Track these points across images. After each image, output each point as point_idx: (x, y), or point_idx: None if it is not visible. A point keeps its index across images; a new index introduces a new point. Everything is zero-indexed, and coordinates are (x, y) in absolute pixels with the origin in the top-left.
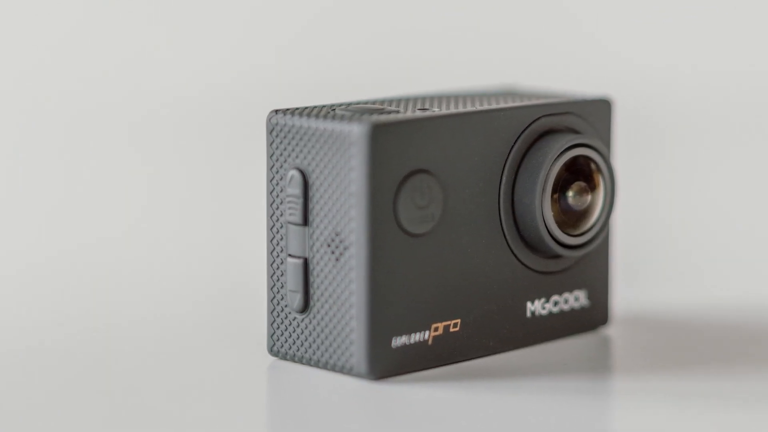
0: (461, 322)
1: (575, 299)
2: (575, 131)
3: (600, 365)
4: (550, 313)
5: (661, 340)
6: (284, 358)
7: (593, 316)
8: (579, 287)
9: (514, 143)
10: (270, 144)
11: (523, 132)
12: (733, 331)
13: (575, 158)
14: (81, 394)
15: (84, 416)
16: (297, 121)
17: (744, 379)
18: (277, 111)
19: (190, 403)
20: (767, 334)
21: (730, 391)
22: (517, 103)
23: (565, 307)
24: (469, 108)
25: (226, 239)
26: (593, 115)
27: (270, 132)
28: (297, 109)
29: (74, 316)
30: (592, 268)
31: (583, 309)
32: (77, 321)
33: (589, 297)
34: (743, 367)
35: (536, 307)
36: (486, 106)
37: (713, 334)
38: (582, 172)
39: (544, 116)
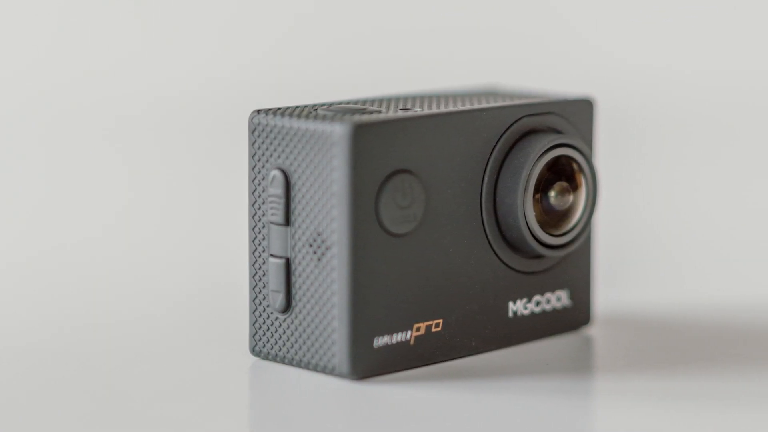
0: (443, 322)
1: (557, 299)
2: (557, 131)
3: (582, 365)
4: (532, 313)
5: (642, 340)
6: (266, 358)
7: (575, 316)
8: (561, 287)
9: (496, 143)
10: (252, 144)
11: (505, 132)
12: (715, 331)
13: (557, 158)
14: (63, 393)
15: (66, 416)
16: (279, 121)
17: (726, 379)
18: (259, 111)
19: (172, 403)
20: (749, 333)
21: (711, 390)
22: (499, 103)
23: (547, 307)
24: (451, 108)
25: (209, 239)
26: (575, 115)
27: (252, 132)
28: (279, 109)
29: (56, 316)
30: (574, 268)
31: (565, 309)
32: (59, 321)
33: (571, 297)
34: (725, 367)
35: (518, 307)
36: (468, 106)
37: (695, 334)
38: (564, 172)
39: (526, 116)
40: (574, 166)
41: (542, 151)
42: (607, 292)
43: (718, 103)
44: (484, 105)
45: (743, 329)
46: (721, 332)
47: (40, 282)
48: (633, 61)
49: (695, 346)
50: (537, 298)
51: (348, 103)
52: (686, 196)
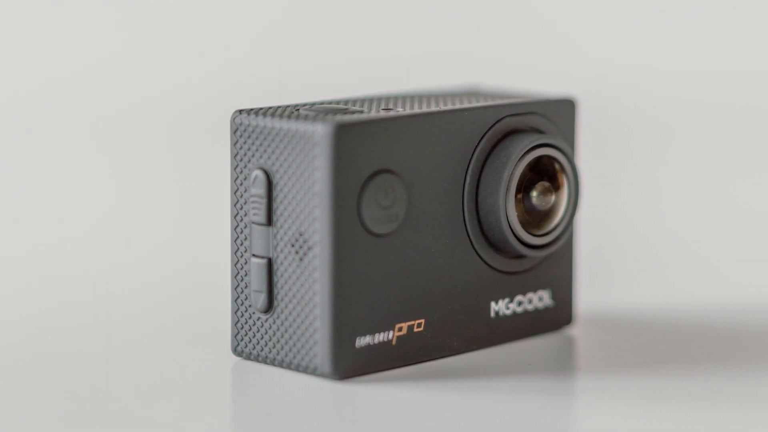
0: (425, 322)
1: (539, 299)
2: (539, 131)
3: (564, 365)
4: (514, 313)
5: (625, 341)
6: (248, 358)
7: (557, 316)
8: (543, 287)
9: (478, 143)
10: (234, 144)
11: (487, 132)
12: (697, 331)
13: (539, 158)
14: (45, 393)
15: (47, 416)
16: (261, 121)
17: (707, 379)
18: (241, 111)
19: (154, 403)
20: (731, 334)
21: (693, 391)
22: (481, 103)
23: (529, 307)
24: (433, 108)
25: (190, 239)
26: (557, 115)
27: (234, 132)
28: (261, 109)
29: (38, 315)
30: (556, 268)
31: (547, 309)
32: (41, 320)
33: (553, 297)
34: (707, 367)
35: (500, 307)
36: (450, 106)
37: (677, 334)
38: (546, 172)
39: (508, 116)
40: (556, 166)
41: (524, 151)
42: (589, 292)
43: (700, 103)
44: (466, 105)
45: (726, 329)
46: (704, 332)
47: (22, 281)
48: (615, 61)
49: (677, 346)
50: (519, 298)
51: (330, 103)
52: (669, 196)
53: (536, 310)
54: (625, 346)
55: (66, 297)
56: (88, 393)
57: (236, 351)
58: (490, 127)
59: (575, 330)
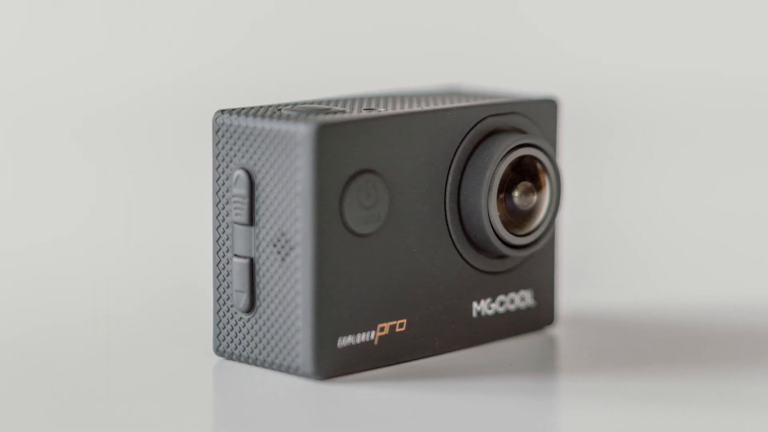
0: (407, 322)
1: (521, 299)
2: (521, 131)
3: (546, 365)
4: (496, 313)
5: (606, 341)
6: (230, 358)
7: (539, 316)
8: (525, 287)
9: (460, 143)
10: (216, 144)
11: (469, 132)
12: (679, 332)
13: (521, 158)
14: (27, 393)
15: (29, 415)
16: (243, 121)
17: (688, 380)
18: (223, 111)
19: (136, 403)
20: (713, 334)
21: (675, 391)
22: (463, 103)
23: (511, 307)
24: (415, 108)
25: (173, 239)
26: (539, 115)
27: (216, 132)
28: (243, 109)
29: (20, 315)
30: (538, 268)
31: (529, 309)
32: (23, 320)
33: (535, 297)
34: (689, 367)
35: (482, 307)
36: (432, 106)
37: (659, 335)
38: (528, 172)
39: (490, 116)
40: (538, 166)
41: (506, 151)
42: (571, 292)
43: (682, 103)
44: (448, 105)
45: (708, 329)
46: (686, 332)
47: (4, 281)
48: (597, 61)
49: (659, 346)
50: (501, 298)
51: (312, 103)
52: (650, 196)
53: (518, 310)
54: (607, 346)
55: (49, 297)
56: (71, 392)
57: (218, 351)
58: (472, 127)
59: (557, 330)
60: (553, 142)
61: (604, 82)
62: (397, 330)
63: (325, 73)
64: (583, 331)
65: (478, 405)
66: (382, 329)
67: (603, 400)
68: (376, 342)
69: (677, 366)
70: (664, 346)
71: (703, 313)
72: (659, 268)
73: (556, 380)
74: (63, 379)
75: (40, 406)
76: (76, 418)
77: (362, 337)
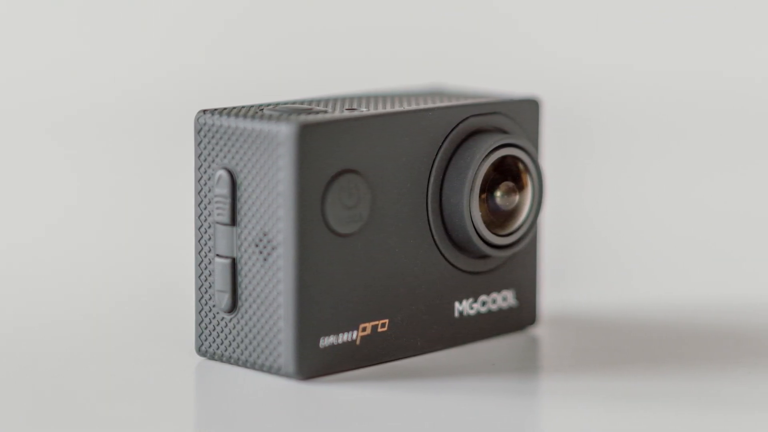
0: (389, 322)
1: (503, 299)
2: (503, 131)
3: (528, 365)
4: (478, 313)
5: (588, 341)
6: (212, 358)
7: (521, 316)
8: (507, 287)
9: (442, 143)
10: (198, 144)
11: (451, 132)
12: (660, 332)
13: (503, 158)
14: (7, 393)
15: (10, 416)
16: (225, 121)
17: (671, 379)
18: (205, 111)
19: (117, 403)
20: (694, 333)
21: (657, 390)
22: (445, 103)
23: (493, 307)
24: (397, 108)
25: (154, 239)
26: (521, 115)
27: (198, 132)
28: (225, 109)
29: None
30: (520, 268)
31: (511, 309)
32: (3, 321)
33: (517, 297)
34: (670, 367)
35: (464, 307)
36: (414, 106)
37: (641, 334)
38: (510, 172)
39: (472, 116)
40: (520, 166)
41: (488, 151)
42: (553, 292)
43: (663, 103)
44: (430, 105)
45: (689, 329)
46: (667, 332)
47: None
48: (579, 61)
49: (641, 346)
50: (483, 298)
51: (294, 103)
52: (632, 196)
53: (500, 310)
54: (589, 345)
55: (29, 297)
56: (52, 393)
57: (200, 351)
58: (454, 127)
59: (539, 330)
60: (535, 142)
61: (586, 82)
62: (379, 330)
63: (307, 73)
64: (565, 331)
65: (460, 405)
66: (364, 329)
67: (585, 399)
68: (358, 342)
69: (659, 366)
70: (646, 346)
71: (685, 313)
72: (641, 267)
73: (538, 380)
74: (44, 380)
75: (21, 407)
76: (57, 418)
77: (344, 337)
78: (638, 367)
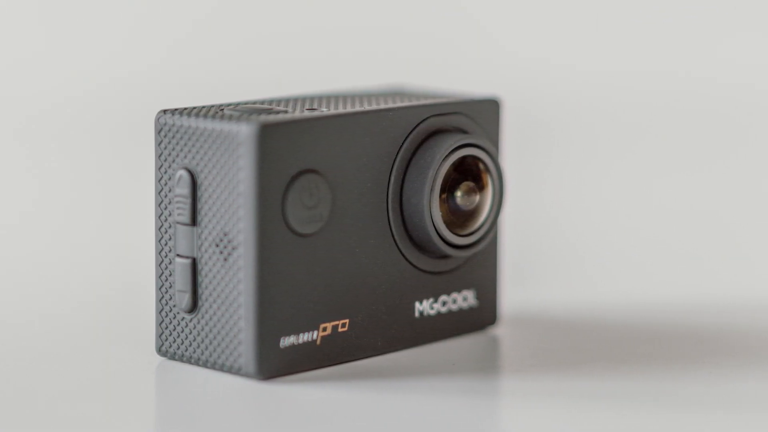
0: (350, 322)
1: (464, 299)
2: (464, 131)
3: (488, 365)
4: (439, 313)
5: (549, 340)
6: (173, 358)
7: (482, 316)
8: (467, 287)
9: (403, 143)
10: (158, 144)
11: (411, 132)
12: (621, 331)
13: (463, 158)
14: None
15: None
16: (185, 121)
17: (632, 379)
18: (165, 111)
19: (77, 403)
20: (655, 333)
21: (618, 390)
22: (406, 103)
23: (454, 307)
24: (358, 108)
25: (115, 239)
26: (482, 115)
27: (158, 132)
28: (185, 109)
29: None
30: (480, 268)
31: (471, 309)
32: None
33: (478, 297)
34: (631, 367)
35: (425, 307)
36: (374, 106)
37: (601, 334)
38: (470, 172)
39: (432, 116)
40: (481, 166)
41: (448, 151)
42: (514, 292)
43: (624, 103)
44: (391, 105)
45: (650, 329)
46: (628, 332)
47: None
48: (539, 61)
49: (601, 346)
50: (443, 298)
51: (254, 103)
52: (593, 196)
53: (461, 310)
54: (550, 345)
55: None
56: (11, 392)
57: (160, 351)
58: (415, 127)
59: (500, 330)
60: (495, 142)
61: (547, 81)
62: (340, 330)
63: (268, 73)
64: (525, 330)
65: (420, 405)
66: (324, 329)
67: (545, 399)
68: (318, 342)
69: (620, 366)
70: (606, 346)
71: (646, 313)
72: (602, 267)
73: (499, 380)
74: (3, 380)
75: None
76: (17, 418)
77: (305, 337)
78: (599, 367)
